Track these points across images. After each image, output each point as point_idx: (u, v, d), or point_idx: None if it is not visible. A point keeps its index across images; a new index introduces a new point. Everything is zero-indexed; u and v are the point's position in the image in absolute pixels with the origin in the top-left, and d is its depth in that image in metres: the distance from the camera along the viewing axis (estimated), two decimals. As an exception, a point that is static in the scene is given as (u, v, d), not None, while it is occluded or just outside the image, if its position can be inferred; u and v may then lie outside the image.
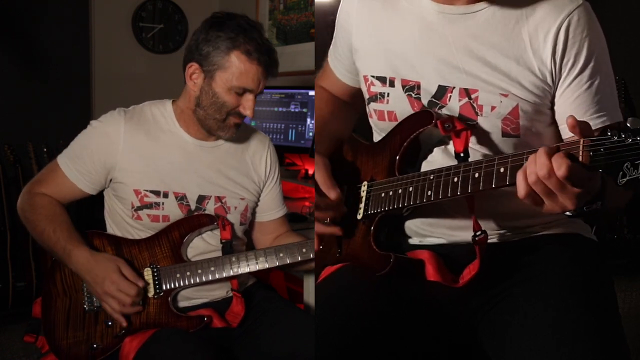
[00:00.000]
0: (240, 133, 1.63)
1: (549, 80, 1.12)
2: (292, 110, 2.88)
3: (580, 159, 0.89)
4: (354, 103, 1.40)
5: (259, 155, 1.66)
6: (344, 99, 1.41)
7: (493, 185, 1.01)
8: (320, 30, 1.40)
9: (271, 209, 1.71)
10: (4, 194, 3.07)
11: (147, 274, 1.48)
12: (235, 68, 1.45)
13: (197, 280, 1.49)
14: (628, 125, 0.85)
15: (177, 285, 1.49)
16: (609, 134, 0.86)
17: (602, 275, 1.17)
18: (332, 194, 1.24)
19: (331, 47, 1.39)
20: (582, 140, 0.90)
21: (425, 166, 1.21)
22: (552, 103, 1.15)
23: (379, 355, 1.08)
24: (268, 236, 1.72)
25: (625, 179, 0.84)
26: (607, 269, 1.20)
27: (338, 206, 1.25)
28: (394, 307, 1.15)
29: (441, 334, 1.19)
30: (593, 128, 1.09)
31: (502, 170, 1.00)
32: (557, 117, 1.15)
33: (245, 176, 1.62)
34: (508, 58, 1.11)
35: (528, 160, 0.95)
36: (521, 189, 0.95)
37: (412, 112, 1.20)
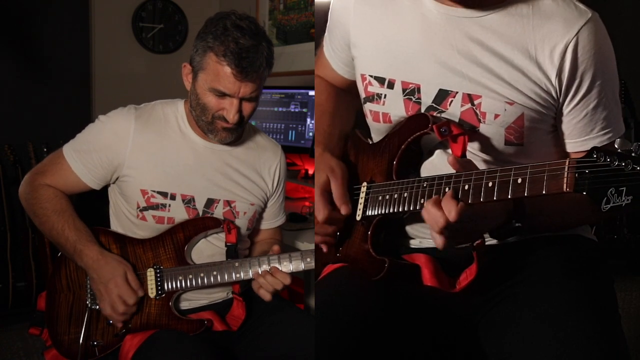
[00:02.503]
0: (253, 140, 1.63)
1: (553, 93, 1.10)
2: (292, 110, 2.88)
3: (565, 180, 0.86)
4: (353, 93, 1.37)
5: (268, 166, 1.64)
6: (343, 88, 1.39)
7: (481, 199, 1.00)
8: (320, 31, 1.39)
9: (271, 218, 1.71)
10: (4, 194, 3.07)
11: (150, 274, 1.48)
12: (210, 69, 1.41)
13: (199, 284, 1.48)
14: (616, 146, 0.81)
15: (178, 287, 1.48)
16: (595, 156, 0.82)
17: (602, 275, 1.17)
18: (343, 209, 1.22)
19: (326, 34, 1.35)
20: (567, 162, 0.87)
21: (426, 167, 1.20)
22: (555, 114, 1.14)
23: (379, 355, 1.08)
24: (254, 239, 1.72)
25: (609, 206, 0.80)
26: (607, 269, 1.20)
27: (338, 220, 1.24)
28: (394, 307, 1.15)
29: (440, 334, 1.19)
30: (599, 145, 1.09)
31: (490, 184, 0.99)
32: (564, 132, 1.15)
33: (254, 183, 1.60)
34: (512, 67, 1.09)
35: (426, 208, 1.01)
36: (437, 241, 1.02)
37: (406, 115, 1.19)
